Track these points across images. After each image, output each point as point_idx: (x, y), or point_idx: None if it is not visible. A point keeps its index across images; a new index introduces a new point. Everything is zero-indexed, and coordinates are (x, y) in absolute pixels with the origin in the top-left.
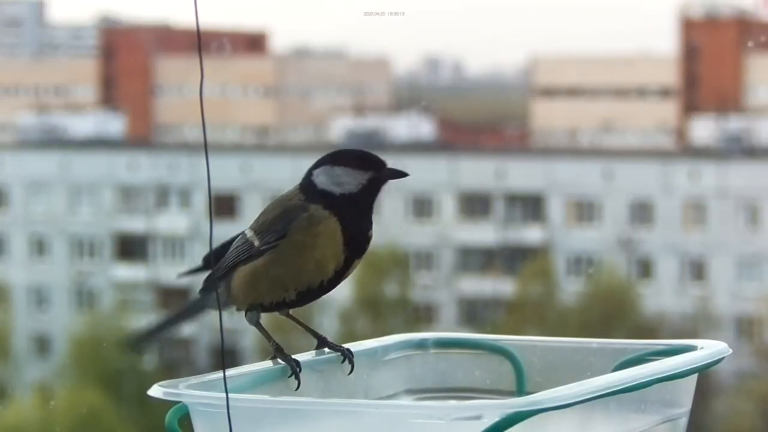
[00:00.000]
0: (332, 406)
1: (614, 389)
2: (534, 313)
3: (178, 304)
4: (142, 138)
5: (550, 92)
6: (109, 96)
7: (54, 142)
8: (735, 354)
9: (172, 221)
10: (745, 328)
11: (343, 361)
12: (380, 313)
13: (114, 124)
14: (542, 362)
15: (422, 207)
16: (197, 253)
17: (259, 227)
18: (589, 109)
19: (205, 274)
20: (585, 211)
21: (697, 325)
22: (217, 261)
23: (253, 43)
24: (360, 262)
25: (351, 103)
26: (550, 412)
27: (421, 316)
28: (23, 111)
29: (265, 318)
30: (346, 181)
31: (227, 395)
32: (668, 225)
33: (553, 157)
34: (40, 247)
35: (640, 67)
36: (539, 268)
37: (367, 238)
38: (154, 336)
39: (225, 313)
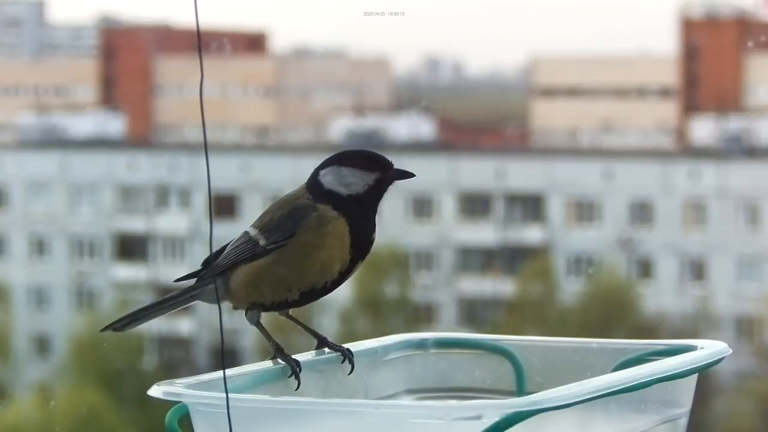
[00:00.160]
0: (332, 406)
1: (614, 389)
2: (534, 313)
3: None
4: (142, 138)
5: (550, 92)
6: (109, 96)
7: (54, 142)
8: (735, 354)
9: (172, 221)
10: (745, 328)
11: (343, 361)
12: (380, 313)
13: (114, 124)
14: (542, 362)
15: (422, 207)
16: (197, 253)
17: (265, 226)
18: (589, 109)
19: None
20: (585, 211)
21: (697, 325)
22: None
23: (253, 43)
24: (362, 264)
25: (351, 103)
26: (550, 412)
27: (421, 316)
28: (23, 111)
29: (264, 318)
30: (352, 182)
31: (227, 395)
32: (668, 225)
33: (553, 157)
34: (40, 247)
35: (640, 67)
36: (539, 268)
37: (371, 240)
38: (137, 319)
39: (225, 313)
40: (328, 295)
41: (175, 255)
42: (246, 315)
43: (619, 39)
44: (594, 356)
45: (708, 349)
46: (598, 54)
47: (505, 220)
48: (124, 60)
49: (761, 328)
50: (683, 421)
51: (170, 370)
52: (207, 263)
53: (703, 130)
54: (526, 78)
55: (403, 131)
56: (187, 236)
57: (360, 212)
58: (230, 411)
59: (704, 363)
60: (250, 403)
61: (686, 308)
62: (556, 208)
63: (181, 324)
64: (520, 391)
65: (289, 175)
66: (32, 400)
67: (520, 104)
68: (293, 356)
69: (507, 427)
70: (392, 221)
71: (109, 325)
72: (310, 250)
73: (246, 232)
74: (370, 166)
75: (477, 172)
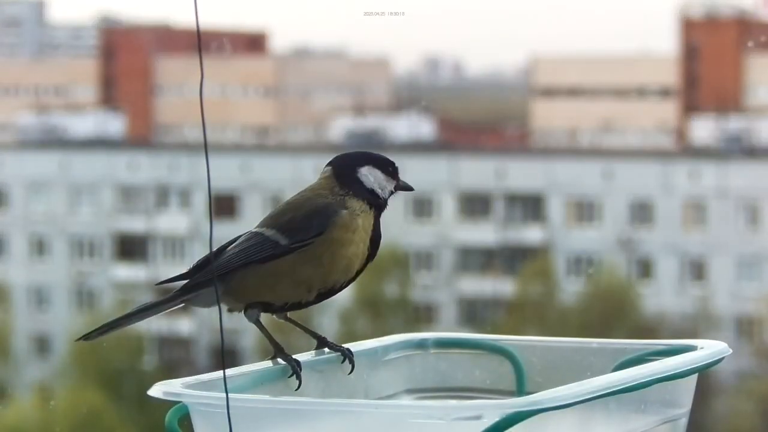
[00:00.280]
0: (332, 406)
1: (614, 389)
2: (534, 313)
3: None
4: (142, 138)
5: (550, 92)
6: (109, 96)
7: (54, 142)
8: (735, 354)
9: (172, 221)
10: (745, 328)
11: (343, 361)
12: (380, 313)
13: (114, 124)
14: (542, 362)
15: (422, 207)
16: (197, 253)
17: (285, 225)
18: (589, 109)
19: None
20: (585, 211)
21: (697, 325)
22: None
23: (253, 43)
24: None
25: (351, 103)
26: (550, 412)
27: (421, 316)
28: (23, 111)
29: (263, 319)
30: (385, 186)
31: (227, 395)
32: (668, 225)
33: (553, 157)
34: (40, 247)
35: (640, 67)
36: (539, 268)
37: (379, 243)
38: (114, 327)
39: (225, 314)
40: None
41: (175, 255)
42: (245, 313)
43: (619, 39)
44: (594, 356)
45: (708, 349)
46: (598, 54)
47: (505, 220)
48: (124, 60)
49: (761, 328)
50: (683, 421)
51: (170, 370)
52: (199, 267)
53: (703, 130)
54: (526, 78)
55: (403, 131)
56: (187, 236)
57: (379, 215)
58: (230, 411)
59: (704, 363)
60: (250, 403)
61: (686, 308)
62: (556, 208)
63: (181, 324)
64: (520, 391)
65: (289, 175)
66: (32, 400)
67: (520, 104)
68: (293, 356)
69: (507, 427)
70: (392, 221)
71: (84, 335)
72: (338, 248)
73: (257, 233)
74: (393, 175)
75: (477, 172)
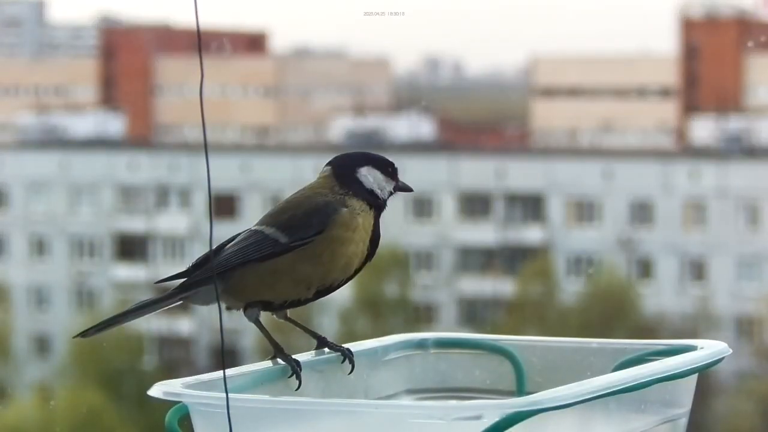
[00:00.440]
0: (332, 406)
1: (614, 389)
2: (534, 313)
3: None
4: (142, 138)
5: (550, 92)
6: (109, 96)
7: (54, 142)
8: (735, 354)
9: (172, 221)
10: (745, 328)
11: (343, 361)
12: (380, 313)
13: (114, 124)
14: (542, 362)
15: (422, 207)
16: (197, 253)
17: (285, 223)
18: (589, 109)
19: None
20: (585, 211)
21: (697, 325)
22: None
23: (253, 43)
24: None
25: (351, 103)
26: (550, 412)
27: (421, 316)
28: (23, 111)
29: (264, 318)
30: (384, 186)
31: (227, 395)
32: (668, 225)
33: (553, 157)
34: (40, 247)
35: (640, 67)
36: (539, 268)
37: (378, 243)
38: (111, 324)
39: (225, 313)
40: (328, 295)
41: (175, 255)
42: (245, 312)
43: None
44: (594, 356)
45: (708, 349)
46: (598, 54)
47: (505, 220)
48: (124, 60)
49: (761, 328)
50: (683, 421)
51: (170, 370)
52: (198, 265)
53: (703, 130)
54: (526, 78)
55: (403, 131)
56: (187, 236)
57: (378, 215)
58: (230, 411)
59: (704, 363)
60: (250, 403)
61: (686, 308)
62: (556, 208)
63: (181, 324)
64: (520, 391)
65: (289, 175)
66: (32, 400)
67: (520, 104)
68: (293, 356)
69: (507, 427)
70: (392, 221)
71: (81, 332)
72: (338, 246)
73: (257, 231)
74: (393, 176)
75: (477, 172)
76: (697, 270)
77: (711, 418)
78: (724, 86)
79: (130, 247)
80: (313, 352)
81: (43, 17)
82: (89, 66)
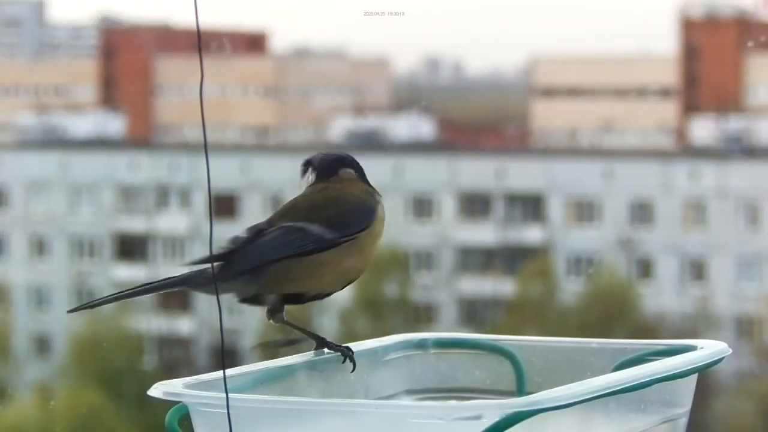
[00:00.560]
0: (332, 406)
1: (614, 389)
2: (534, 313)
3: (177, 304)
4: (142, 138)
5: (550, 92)
6: (109, 96)
7: (54, 142)
8: (735, 354)
9: (172, 221)
10: (745, 328)
11: (344, 361)
12: (380, 313)
13: (114, 124)
14: (542, 362)
15: (422, 207)
16: (197, 253)
17: (330, 220)
18: (589, 109)
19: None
20: (585, 211)
21: (697, 325)
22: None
23: (253, 43)
24: None
25: (351, 103)
26: (550, 412)
27: (421, 316)
28: (23, 111)
29: (261, 319)
30: None
31: (227, 395)
32: (668, 225)
33: (553, 157)
34: (40, 247)
35: (640, 67)
36: (539, 268)
37: None
38: (117, 297)
39: (225, 313)
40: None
41: (175, 255)
42: (273, 317)
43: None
44: (594, 356)
45: (708, 349)
46: (598, 54)
47: (505, 220)
48: (124, 60)
49: (761, 328)
50: (683, 421)
51: (170, 370)
52: (230, 253)
53: (703, 130)
54: (526, 78)
55: (403, 131)
56: (187, 236)
57: None
58: (230, 411)
59: (704, 363)
60: (250, 403)
61: (686, 308)
62: (556, 208)
63: (181, 324)
64: (520, 391)
65: (289, 175)
66: (32, 400)
67: (520, 104)
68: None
69: (507, 427)
70: (392, 221)
71: (85, 305)
72: (377, 240)
73: (299, 228)
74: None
75: (477, 172)
76: (697, 270)
77: (711, 418)
78: (724, 86)
79: (130, 247)
80: (312, 352)
81: (43, 17)
82: (89, 66)
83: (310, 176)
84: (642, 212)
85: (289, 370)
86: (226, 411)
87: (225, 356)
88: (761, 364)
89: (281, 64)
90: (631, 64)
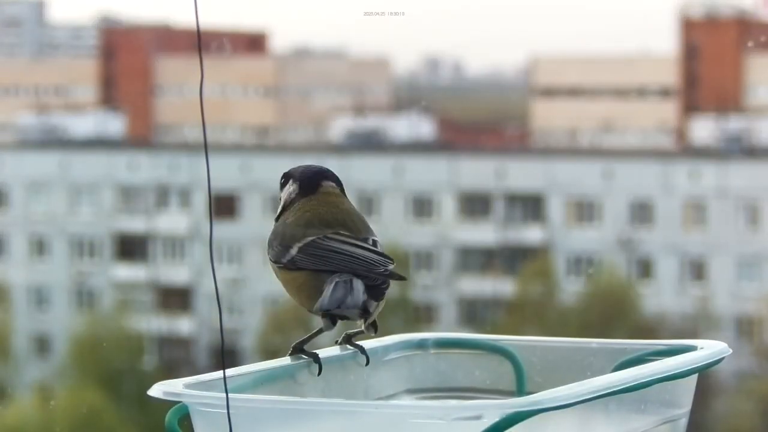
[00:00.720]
0: (332, 406)
1: (614, 389)
2: (534, 313)
3: (177, 304)
4: (142, 138)
5: (550, 92)
6: (109, 96)
7: (54, 142)
8: (735, 354)
9: (172, 221)
10: (745, 328)
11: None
12: (380, 313)
13: (114, 124)
14: (542, 362)
15: (422, 207)
16: (197, 253)
17: (376, 243)
18: (589, 109)
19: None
20: (585, 211)
21: (697, 325)
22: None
23: (253, 43)
24: None
25: (351, 103)
26: (550, 412)
27: (421, 316)
28: (23, 111)
29: (262, 318)
30: None
31: (227, 395)
32: (668, 225)
33: (553, 157)
34: (40, 247)
35: (640, 67)
36: (539, 268)
37: None
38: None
39: (225, 313)
40: None
41: (175, 255)
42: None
43: (619, 39)
44: (594, 356)
45: (708, 349)
46: (598, 54)
47: (505, 220)
48: (124, 60)
49: (761, 328)
50: (683, 421)
51: (170, 370)
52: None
53: (703, 130)
54: (526, 78)
55: (403, 131)
56: (187, 236)
57: None
58: (230, 411)
59: (704, 363)
60: (250, 403)
61: (686, 308)
62: (556, 208)
63: (181, 324)
64: (520, 391)
65: None
66: (32, 400)
67: (520, 104)
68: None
69: (507, 427)
70: (392, 221)
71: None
72: None
73: (376, 241)
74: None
75: (477, 172)
76: (697, 270)
77: (711, 418)
78: (724, 86)
79: (130, 247)
80: (337, 347)
81: (43, 17)
82: (89, 66)
83: (291, 188)
84: (642, 212)
85: (289, 370)
86: (226, 411)
87: (225, 356)
88: (761, 364)
89: (281, 64)
90: (631, 64)
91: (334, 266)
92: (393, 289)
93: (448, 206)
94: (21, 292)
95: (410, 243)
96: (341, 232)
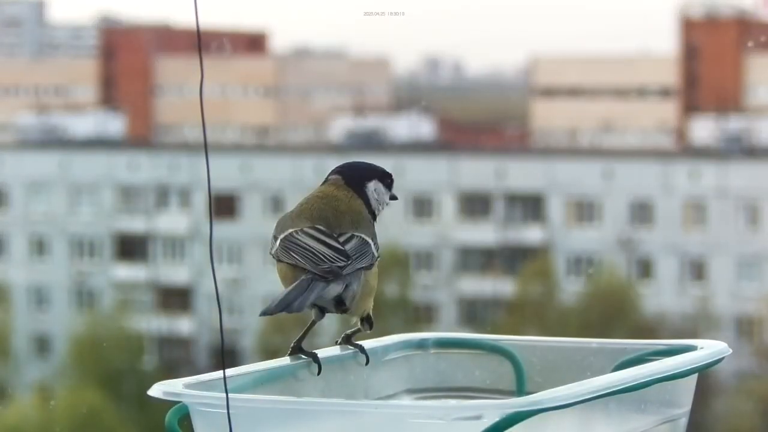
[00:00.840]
0: (332, 406)
1: (614, 389)
2: (534, 313)
3: (177, 304)
4: (142, 138)
5: (550, 92)
6: (109, 96)
7: (54, 142)
8: (735, 354)
9: (172, 221)
10: (745, 328)
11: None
12: (380, 313)
13: (114, 124)
14: (542, 362)
15: (422, 207)
16: (197, 253)
17: (373, 236)
18: (589, 109)
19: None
20: (585, 211)
21: (697, 325)
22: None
23: (253, 43)
24: None
25: (351, 103)
26: (550, 412)
27: (421, 316)
28: (23, 111)
29: (262, 318)
30: (382, 200)
31: (227, 395)
32: (668, 225)
33: (553, 157)
34: (40, 247)
35: (640, 67)
36: (539, 268)
37: None
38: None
39: (225, 313)
40: None
41: (175, 255)
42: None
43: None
44: (594, 356)
45: (708, 349)
46: (598, 54)
47: (505, 220)
48: (124, 60)
49: (761, 328)
50: (683, 421)
51: (170, 370)
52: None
53: (703, 130)
54: (526, 78)
55: (403, 131)
56: (187, 236)
57: None
58: (230, 411)
59: (704, 363)
60: (250, 403)
61: (686, 308)
62: (556, 208)
63: (181, 324)
64: (520, 391)
65: (289, 175)
66: (32, 400)
67: (520, 104)
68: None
69: (507, 427)
70: (392, 221)
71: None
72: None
73: (366, 241)
74: (390, 187)
75: (477, 172)
76: (697, 270)
77: (711, 418)
78: (724, 86)
79: (130, 247)
80: (337, 347)
81: (43, 17)
82: (89, 66)
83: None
84: (642, 212)
85: (289, 370)
86: (226, 411)
87: (225, 356)
88: (761, 364)
89: (281, 64)
90: (631, 64)
91: (294, 260)
92: (393, 289)
93: (448, 206)
94: (21, 292)
95: (410, 243)
96: (317, 226)
